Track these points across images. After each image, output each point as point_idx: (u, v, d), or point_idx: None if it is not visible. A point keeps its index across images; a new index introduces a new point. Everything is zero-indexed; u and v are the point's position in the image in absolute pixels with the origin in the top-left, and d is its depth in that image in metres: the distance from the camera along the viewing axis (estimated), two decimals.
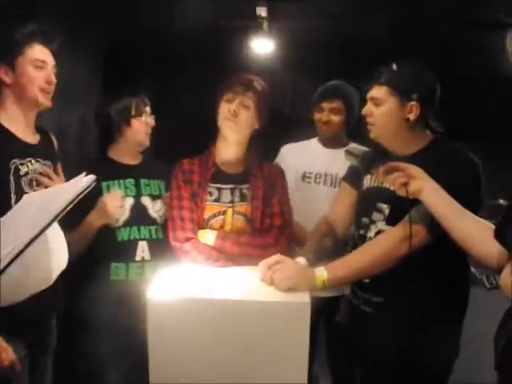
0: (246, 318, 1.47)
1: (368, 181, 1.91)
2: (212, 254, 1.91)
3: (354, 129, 2.59)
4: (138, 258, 2.15)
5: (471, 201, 1.60)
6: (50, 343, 1.98)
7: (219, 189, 2.02)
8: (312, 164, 2.57)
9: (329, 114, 2.54)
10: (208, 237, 1.95)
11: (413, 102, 1.75)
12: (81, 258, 2.00)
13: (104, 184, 2.16)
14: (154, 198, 2.22)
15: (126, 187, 2.19)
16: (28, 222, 1.37)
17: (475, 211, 1.54)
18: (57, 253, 1.55)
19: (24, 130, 1.90)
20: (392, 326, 1.76)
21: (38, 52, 1.86)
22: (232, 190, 2.02)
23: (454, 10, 3.81)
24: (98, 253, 2.09)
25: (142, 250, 2.16)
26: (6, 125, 1.84)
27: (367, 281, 1.82)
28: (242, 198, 2.02)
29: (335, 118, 2.53)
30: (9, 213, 1.52)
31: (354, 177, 1.99)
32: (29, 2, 3.18)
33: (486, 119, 3.81)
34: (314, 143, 2.67)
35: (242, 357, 1.48)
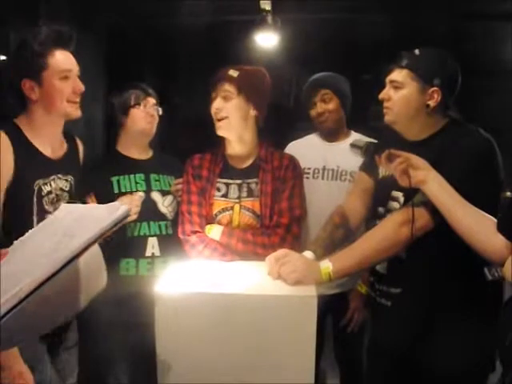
0: (253, 312, 1.47)
1: (383, 170, 1.86)
2: (218, 248, 1.92)
3: (355, 119, 2.58)
4: (147, 253, 2.15)
5: (488, 178, 1.58)
6: (70, 337, 1.98)
7: (227, 184, 2.01)
8: (310, 159, 2.53)
9: (321, 104, 2.48)
10: (214, 232, 1.95)
11: (434, 88, 1.71)
12: None
13: (114, 179, 2.16)
14: (163, 193, 2.21)
15: (136, 182, 2.19)
16: (46, 253, 1.27)
17: (494, 189, 1.51)
18: (91, 275, 1.44)
19: (51, 145, 1.86)
20: (411, 320, 1.75)
21: (62, 61, 1.78)
22: (239, 185, 2.01)
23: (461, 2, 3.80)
24: (107, 248, 2.07)
25: (152, 245, 2.15)
26: (34, 141, 1.80)
27: (384, 272, 1.81)
28: (249, 193, 2.00)
29: (328, 106, 2.47)
30: (35, 229, 1.43)
31: (370, 166, 1.93)
32: (32, 1, 3.20)
33: (493, 111, 3.80)
34: (313, 138, 2.63)
35: (249, 350, 1.48)
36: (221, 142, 2.07)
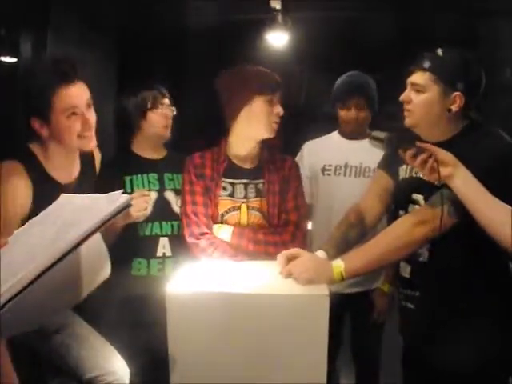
0: (264, 312, 1.47)
1: (404, 171, 1.84)
2: (228, 250, 1.91)
3: (376, 120, 2.57)
4: (159, 253, 2.14)
5: (509, 180, 1.56)
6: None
7: (233, 184, 2.00)
8: (332, 157, 2.55)
9: (355, 111, 2.49)
10: (224, 232, 1.95)
11: (457, 93, 1.66)
12: None
13: (127, 179, 2.16)
14: (177, 192, 2.18)
15: (149, 181, 2.18)
16: (46, 243, 1.28)
17: None
18: (93, 265, 1.46)
19: (65, 171, 1.88)
20: (435, 322, 1.73)
21: (67, 98, 1.75)
22: (245, 185, 2.00)
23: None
24: (120, 247, 2.02)
25: (163, 246, 2.15)
26: (47, 167, 1.82)
27: (408, 276, 1.79)
28: (258, 193, 2.00)
29: (362, 114, 2.49)
30: (35, 219, 1.45)
31: (389, 164, 1.90)
32: (42, 4, 3.22)
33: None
34: (334, 136, 2.65)
35: (261, 350, 1.48)
36: (221, 140, 2.05)
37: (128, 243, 2.08)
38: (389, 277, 2.45)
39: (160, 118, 2.18)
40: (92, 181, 2.03)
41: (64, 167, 1.88)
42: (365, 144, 2.44)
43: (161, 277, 2.06)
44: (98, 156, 2.12)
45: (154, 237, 2.14)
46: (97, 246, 1.46)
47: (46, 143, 1.82)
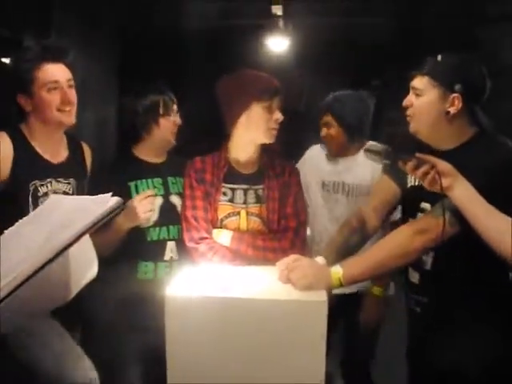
0: (262, 317, 1.47)
1: (412, 179, 1.82)
2: (227, 255, 1.92)
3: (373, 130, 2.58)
4: (166, 257, 2.13)
5: None
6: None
7: (233, 189, 2.00)
8: (330, 173, 2.58)
9: (324, 128, 2.54)
10: (223, 237, 1.95)
11: (455, 95, 1.66)
12: (109, 256, 1.97)
13: (132, 184, 2.13)
14: (182, 195, 2.14)
15: (154, 186, 2.16)
16: (39, 243, 1.29)
17: None
18: (80, 266, 1.48)
19: (51, 150, 1.97)
20: (439, 326, 1.75)
21: (49, 73, 1.89)
22: (245, 190, 2.01)
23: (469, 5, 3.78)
24: (126, 251, 2.06)
25: (171, 249, 2.14)
26: (34, 145, 1.93)
27: (416, 281, 1.81)
28: (257, 199, 2.00)
29: (330, 132, 2.51)
30: (25, 219, 1.48)
31: (394, 170, 1.85)
32: (44, 6, 3.23)
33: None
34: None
35: (259, 355, 1.49)
36: (222, 145, 2.06)
37: (135, 248, 2.09)
38: (380, 280, 2.45)
39: (171, 124, 2.17)
40: (82, 170, 2.08)
41: (49, 145, 1.97)
42: (353, 162, 2.49)
43: (167, 280, 2.05)
44: (88, 150, 2.15)
45: (162, 241, 2.14)
46: (85, 247, 1.47)
47: (30, 120, 1.93)
